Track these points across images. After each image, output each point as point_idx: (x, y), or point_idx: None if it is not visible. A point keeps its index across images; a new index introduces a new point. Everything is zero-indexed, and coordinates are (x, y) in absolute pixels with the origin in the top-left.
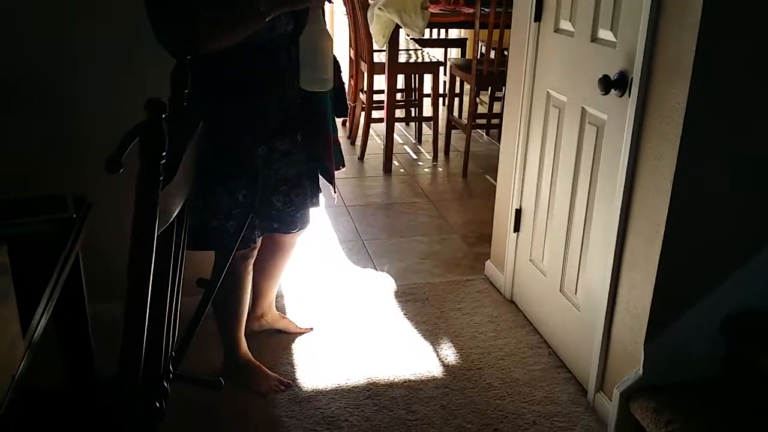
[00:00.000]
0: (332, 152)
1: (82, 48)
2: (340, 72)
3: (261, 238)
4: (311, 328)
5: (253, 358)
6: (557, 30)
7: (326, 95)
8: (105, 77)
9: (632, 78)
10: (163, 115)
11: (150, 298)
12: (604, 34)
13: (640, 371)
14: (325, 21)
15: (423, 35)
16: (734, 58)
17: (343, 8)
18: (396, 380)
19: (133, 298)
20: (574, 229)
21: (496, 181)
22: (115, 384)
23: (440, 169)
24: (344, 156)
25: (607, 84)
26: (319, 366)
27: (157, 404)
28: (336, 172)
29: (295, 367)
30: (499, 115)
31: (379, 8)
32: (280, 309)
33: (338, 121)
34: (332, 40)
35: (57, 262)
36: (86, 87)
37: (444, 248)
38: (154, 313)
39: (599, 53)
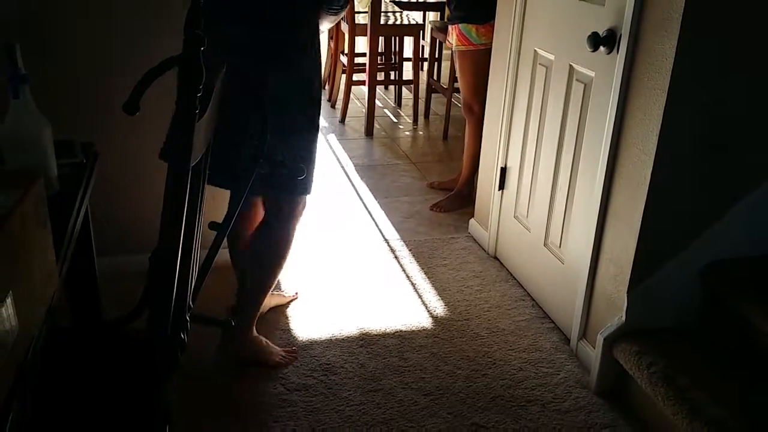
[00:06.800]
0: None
1: None
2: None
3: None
4: (296, 295)
5: (257, 334)
6: None
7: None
8: (111, 22)
9: (621, 35)
10: (202, 48)
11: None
12: None
13: (623, 318)
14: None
15: None
16: (723, 12)
17: None
18: (387, 330)
19: (167, 229)
20: (560, 185)
21: None
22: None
23: (421, 132)
24: (324, 120)
25: (596, 41)
26: (312, 317)
27: (182, 336)
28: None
29: (289, 318)
30: None
31: None
32: None
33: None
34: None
35: (75, 202)
36: (92, 31)
37: (427, 208)
38: (182, 247)
39: (588, 11)
